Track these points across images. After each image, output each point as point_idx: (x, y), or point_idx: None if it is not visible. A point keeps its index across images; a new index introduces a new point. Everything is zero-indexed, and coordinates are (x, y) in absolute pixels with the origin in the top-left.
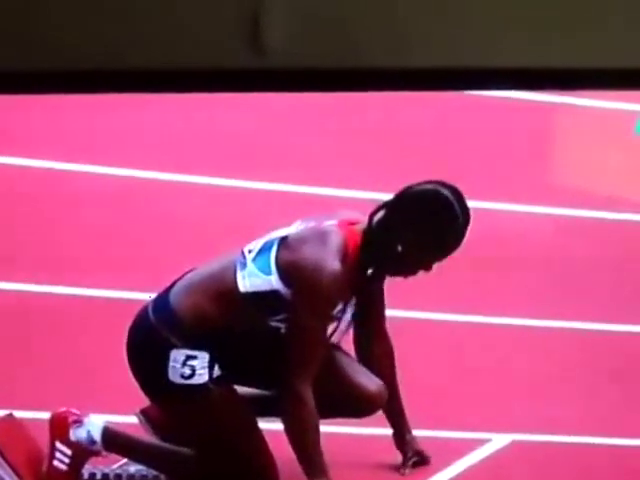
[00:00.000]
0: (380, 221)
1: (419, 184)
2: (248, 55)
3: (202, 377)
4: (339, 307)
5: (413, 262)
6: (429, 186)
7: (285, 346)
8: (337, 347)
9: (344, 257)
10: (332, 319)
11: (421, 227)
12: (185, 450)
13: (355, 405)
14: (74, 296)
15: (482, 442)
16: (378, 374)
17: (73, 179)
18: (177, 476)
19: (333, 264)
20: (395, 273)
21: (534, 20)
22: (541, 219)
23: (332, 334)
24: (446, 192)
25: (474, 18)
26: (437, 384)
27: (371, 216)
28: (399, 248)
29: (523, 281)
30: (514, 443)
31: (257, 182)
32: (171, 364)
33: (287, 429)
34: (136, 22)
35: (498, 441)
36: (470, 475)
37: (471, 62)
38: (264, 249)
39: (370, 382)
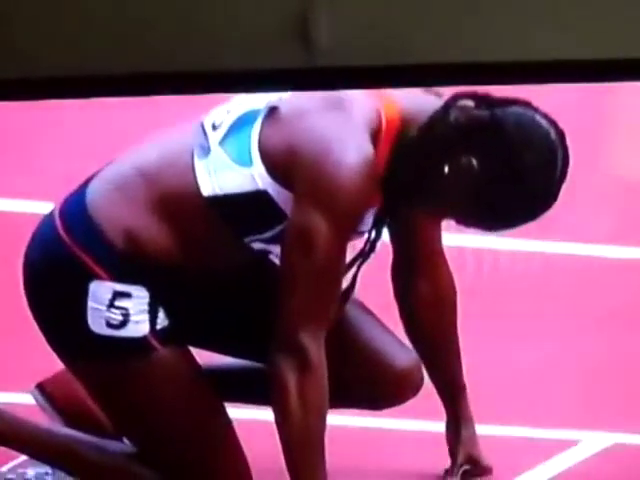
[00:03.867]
0: (439, 121)
1: (507, 101)
2: (296, 54)
3: (139, 327)
4: (368, 218)
5: (450, 198)
6: (523, 110)
7: (280, 282)
8: (352, 298)
9: (376, 139)
10: (355, 235)
11: (495, 159)
12: (110, 443)
13: (375, 389)
14: None
15: (567, 444)
16: (422, 332)
17: None
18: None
19: (363, 147)
20: (416, 202)
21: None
22: None
23: (352, 263)
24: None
25: (518, 11)
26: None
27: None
28: (445, 169)
29: None
30: (615, 447)
31: None
32: (91, 305)
33: (281, 410)
34: (182, 23)
35: (590, 443)
36: None
37: (519, 56)
38: (239, 125)
39: (399, 355)
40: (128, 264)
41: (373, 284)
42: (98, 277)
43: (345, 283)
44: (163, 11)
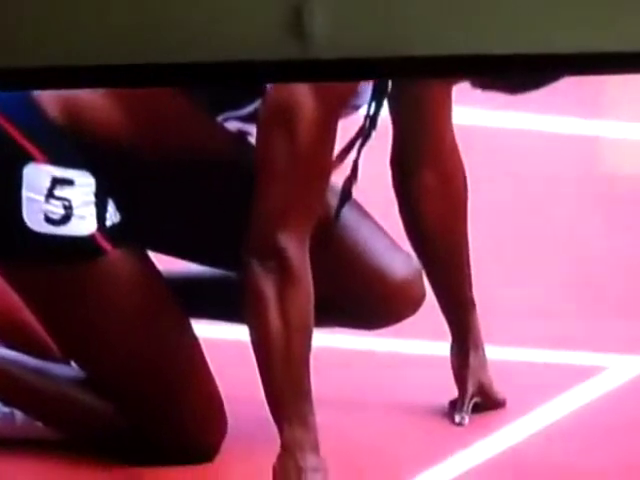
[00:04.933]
0: None
1: None
2: (291, 45)
3: (84, 224)
4: (365, 87)
5: None
6: None
7: (256, 172)
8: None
9: None
10: (350, 110)
11: None
12: (54, 367)
13: (369, 304)
14: None
15: (592, 372)
16: (425, 233)
17: None
18: (51, 418)
19: None
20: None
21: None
22: None
23: (351, 146)
24: None
25: (522, 3)
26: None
27: None
28: None
29: None
30: None
31: None
32: (26, 194)
33: (257, 326)
34: (176, 15)
35: (618, 370)
36: (568, 427)
37: (520, 49)
38: None
39: (397, 263)
40: (70, 143)
41: (367, 177)
42: (33, 159)
43: (344, 173)
44: (157, 3)
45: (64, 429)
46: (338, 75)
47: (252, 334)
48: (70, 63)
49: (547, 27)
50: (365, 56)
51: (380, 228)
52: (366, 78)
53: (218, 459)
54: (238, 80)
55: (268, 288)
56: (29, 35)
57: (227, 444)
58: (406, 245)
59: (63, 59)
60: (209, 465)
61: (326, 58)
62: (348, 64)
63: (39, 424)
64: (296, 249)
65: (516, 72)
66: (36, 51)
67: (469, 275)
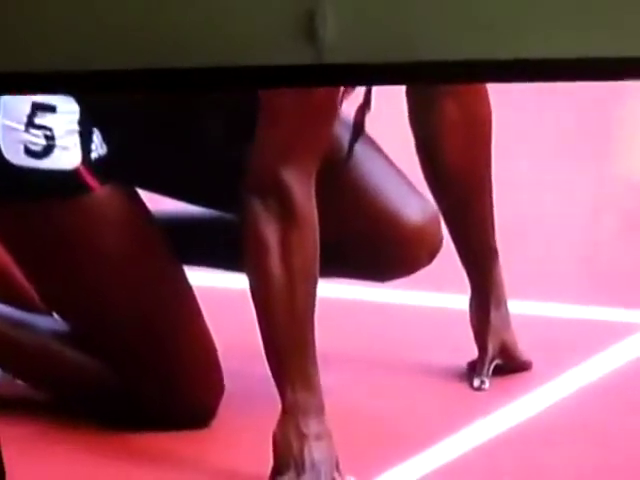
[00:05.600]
0: None
1: None
2: (303, 50)
3: (68, 156)
4: None
5: None
6: None
7: (260, 103)
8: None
9: None
10: None
11: None
12: (36, 319)
13: (380, 251)
14: None
15: (628, 330)
16: (444, 170)
17: None
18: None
19: None
20: None
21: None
22: None
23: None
24: None
25: (531, 9)
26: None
27: None
28: None
29: None
30: None
31: None
32: (4, 123)
33: (257, 272)
34: (187, 19)
35: None
36: (602, 392)
37: (532, 54)
38: None
39: (412, 206)
40: (48, 61)
41: (380, 112)
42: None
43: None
44: (168, 6)
45: (47, 388)
46: (350, 80)
47: (251, 283)
48: (64, 68)
49: (558, 32)
50: (376, 62)
51: (395, 167)
52: (377, 83)
53: (215, 424)
54: (249, 84)
55: (269, 231)
56: (22, 39)
57: (224, 407)
58: (424, 190)
59: (57, 64)
60: (204, 431)
61: (338, 62)
62: (359, 70)
63: (20, 382)
64: (301, 186)
65: (523, 78)
66: (29, 55)
67: (492, 221)
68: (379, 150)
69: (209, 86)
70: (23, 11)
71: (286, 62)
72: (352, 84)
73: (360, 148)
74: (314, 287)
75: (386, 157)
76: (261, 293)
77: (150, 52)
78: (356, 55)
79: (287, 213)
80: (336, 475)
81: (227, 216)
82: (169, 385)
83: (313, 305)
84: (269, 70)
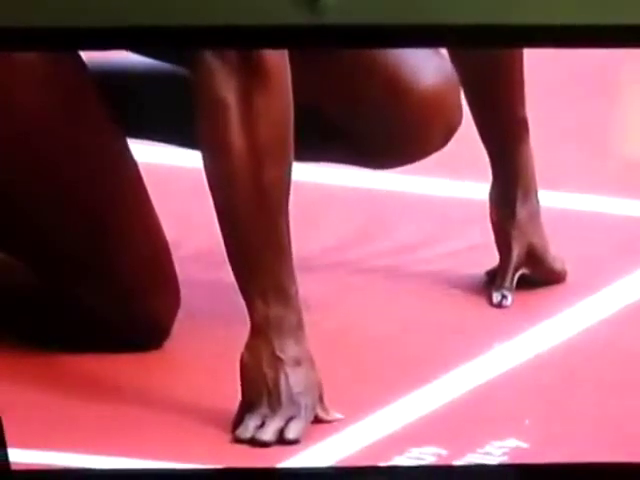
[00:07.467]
0: None
1: None
2: (301, 11)
3: None
4: None
5: None
6: None
7: None
8: None
9: None
10: None
11: None
12: None
13: (386, 122)
14: None
15: None
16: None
17: None
18: None
19: None
20: None
21: None
22: None
23: None
24: None
25: None
26: None
27: None
28: None
29: None
30: None
31: None
32: None
33: (213, 144)
34: None
35: None
36: None
37: (535, 19)
38: None
39: (427, 68)
40: None
41: None
42: None
43: None
44: None
45: None
46: (350, 42)
47: (205, 159)
48: (75, 24)
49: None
50: (376, 23)
51: None
52: (376, 46)
53: (167, 346)
54: (248, 45)
55: (228, 91)
56: None
57: (178, 325)
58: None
59: (66, 20)
60: (154, 354)
61: (336, 24)
62: (358, 31)
63: None
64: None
65: (532, 44)
66: (37, 11)
67: (522, 88)
68: None
69: (208, 44)
70: None
71: (284, 22)
72: (351, 46)
73: None
74: (288, 166)
75: None
76: (217, 172)
77: (148, 9)
78: (356, 16)
79: (251, 70)
80: (319, 410)
81: (177, 70)
82: (109, 292)
83: (287, 191)
84: (266, 30)
